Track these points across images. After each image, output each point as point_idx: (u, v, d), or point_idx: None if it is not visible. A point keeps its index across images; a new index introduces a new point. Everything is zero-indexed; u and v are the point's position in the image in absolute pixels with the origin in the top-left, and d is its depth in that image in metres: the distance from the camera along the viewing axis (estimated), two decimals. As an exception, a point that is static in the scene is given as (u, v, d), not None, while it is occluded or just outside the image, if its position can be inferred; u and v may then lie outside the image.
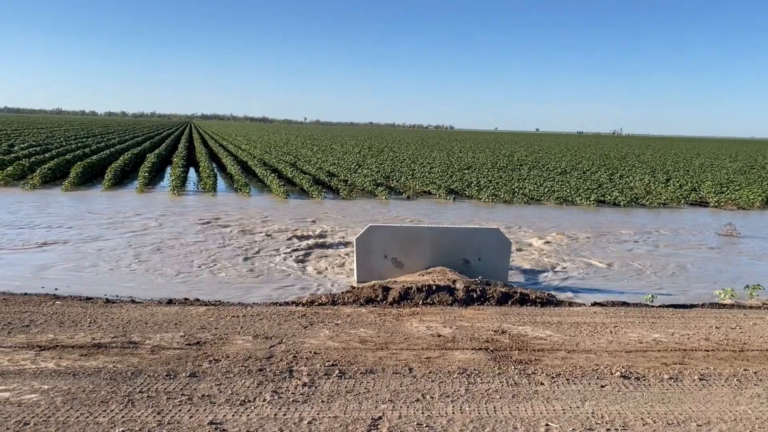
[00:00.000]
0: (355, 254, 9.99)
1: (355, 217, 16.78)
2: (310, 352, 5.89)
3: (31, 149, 33.43)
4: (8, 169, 23.33)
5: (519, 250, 12.65)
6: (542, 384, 5.17)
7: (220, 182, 24.50)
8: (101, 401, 4.58)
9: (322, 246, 12.50)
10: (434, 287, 8.26)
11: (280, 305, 8.00)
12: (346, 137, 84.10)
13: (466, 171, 30.86)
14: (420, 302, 8.06)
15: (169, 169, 28.64)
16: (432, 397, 4.80)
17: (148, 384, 4.95)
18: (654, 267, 11.65)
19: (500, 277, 9.85)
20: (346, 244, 12.64)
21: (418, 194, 22.70)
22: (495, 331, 6.76)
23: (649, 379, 5.42)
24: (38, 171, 22.81)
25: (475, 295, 8.21)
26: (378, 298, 8.14)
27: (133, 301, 8.23)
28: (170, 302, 8.11)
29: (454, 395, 4.86)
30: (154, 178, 25.20)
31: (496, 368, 5.52)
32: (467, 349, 6.08)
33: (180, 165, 27.26)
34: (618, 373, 5.48)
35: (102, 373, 5.14)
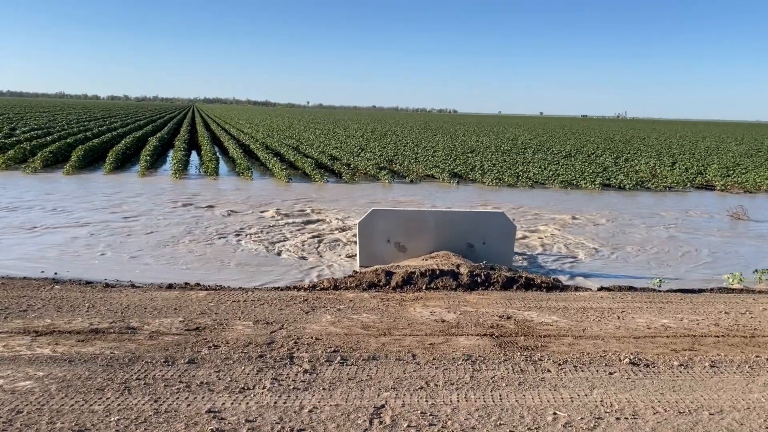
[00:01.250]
0: (357, 238, 9.85)
1: (358, 200, 16.63)
2: (312, 338, 5.77)
3: (32, 133, 33.26)
4: (9, 152, 23.19)
5: (524, 234, 12.49)
6: (549, 371, 5.04)
7: (222, 166, 24.34)
8: (97, 388, 4.46)
9: (324, 230, 12.36)
10: (438, 272, 8.13)
11: (282, 290, 7.88)
12: (349, 121, 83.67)
13: (470, 154, 30.62)
14: (423, 287, 7.92)
15: (171, 153, 28.44)
16: (436, 385, 4.67)
17: (146, 371, 4.83)
18: (660, 250, 11.49)
19: (505, 262, 9.71)
20: (349, 228, 12.50)
21: (422, 178, 22.51)
22: (500, 317, 6.63)
23: (659, 366, 5.28)
24: (39, 154, 22.66)
25: (479, 280, 8.07)
26: (381, 283, 8.01)
27: (132, 286, 8.12)
28: (170, 287, 7.99)
29: (458, 383, 4.73)
30: (155, 162, 25.04)
31: (501, 355, 5.39)
32: (472, 335, 5.95)
33: (182, 148, 27.09)
34: (626, 360, 5.34)
35: (99, 360, 5.03)
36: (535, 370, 5.04)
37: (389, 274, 8.15)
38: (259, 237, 11.56)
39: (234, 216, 13.68)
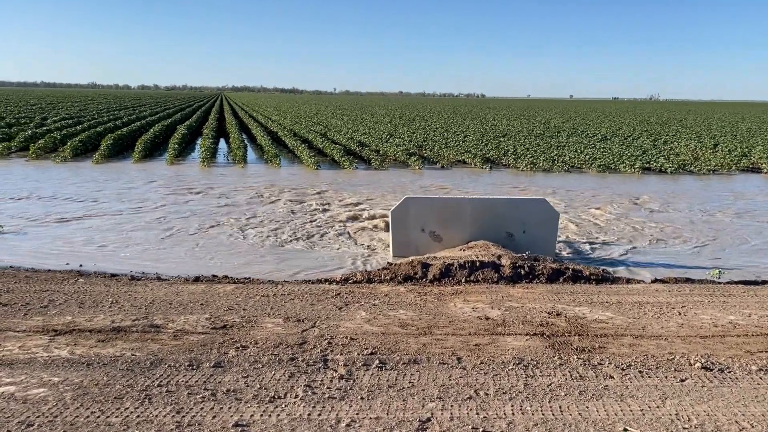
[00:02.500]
0: (390, 228, 9.40)
1: (388, 187, 16.14)
2: (346, 337, 5.32)
3: (63, 122, 33.45)
4: (39, 141, 23.22)
5: (563, 221, 11.88)
6: (612, 377, 4.52)
7: (250, 153, 24.06)
8: (115, 397, 4.09)
9: (355, 219, 11.92)
10: (478, 263, 7.62)
11: (313, 283, 7.46)
12: (376, 107, 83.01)
13: (502, 139, 29.84)
14: (463, 280, 7.43)
15: (199, 141, 28.28)
16: (486, 394, 4.19)
17: (169, 376, 4.44)
18: (712, 237, 10.78)
19: (547, 251, 9.16)
20: (380, 216, 12.04)
21: (453, 163, 21.91)
22: (549, 313, 6.11)
23: (735, 371, 4.72)
24: (69, 144, 22.64)
25: (522, 272, 7.54)
26: (417, 276, 7.54)
27: (158, 279, 7.80)
28: (197, 280, 7.64)
29: (511, 391, 4.24)
30: (184, 150, 24.88)
31: (556, 358, 4.88)
32: (520, 334, 5.44)
33: (210, 136, 26.89)
34: (698, 364, 4.78)
35: (119, 363, 4.66)
36: (596, 377, 4.52)
37: (426, 266, 7.67)
38: (285, 226, 11.17)
39: (261, 203, 13.32)
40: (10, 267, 8.18)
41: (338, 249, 9.76)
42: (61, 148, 22.81)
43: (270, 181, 16.70)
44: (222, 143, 28.39)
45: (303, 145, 23.63)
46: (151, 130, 28.57)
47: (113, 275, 7.90)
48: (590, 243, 10.39)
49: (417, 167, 20.30)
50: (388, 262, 7.91)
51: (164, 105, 68.29)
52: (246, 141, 27.33)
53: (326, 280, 7.57)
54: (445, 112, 67.23)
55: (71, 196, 13.85)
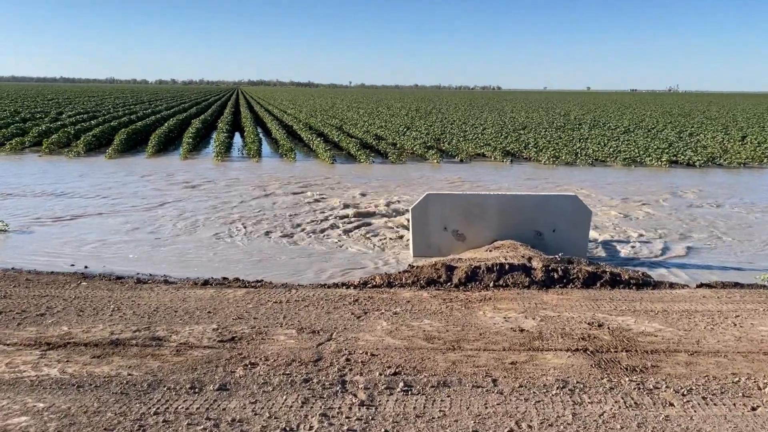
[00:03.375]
0: (410, 226, 8.86)
1: (407, 182, 15.57)
2: (366, 353, 4.79)
3: (78, 116, 33.26)
4: (53, 136, 22.96)
5: (593, 218, 11.24)
6: (671, 405, 3.94)
7: (265, 147, 23.61)
8: (105, 429, 3.59)
9: (372, 215, 11.38)
10: (507, 266, 7.04)
11: (329, 287, 6.94)
12: (392, 100, 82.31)
13: (522, 131, 29.10)
14: (491, 284, 6.86)
15: (214, 135, 27.91)
16: (530, 426, 3.64)
17: (167, 401, 3.94)
18: (753, 236, 10.09)
19: (578, 252, 8.57)
20: (398, 213, 11.50)
21: (472, 157, 21.29)
22: (589, 324, 5.53)
23: (812, 396, 4.12)
24: (82, 138, 22.35)
25: (556, 276, 6.95)
26: (441, 279, 6.98)
27: (166, 281, 7.33)
28: (206, 283, 7.16)
29: (558, 423, 3.68)
30: (198, 144, 24.49)
31: (604, 379, 4.31)
32: (561, 349, 4.88)
33: (224, 130, 26.46)
34: (768, 389, 4.19)
35: (113, 385, 4.17)
36: (654, 404, 3.94)
37: (450, 268, 7.11)
38: (300, 224, 10.67)
39: (273, 199, 12.83)
40: (12, 269, 7.77)
41: (356, 248, 9.24)
42: (74, 143, 22.53)
43: (284, 176, 16.22)
44: (237, 137, 27.98)
45: (318, 139, 23.13)
46: (166, 124, 28.23)
47: (119, 278, 7.45)
48: (623, 242, 9.77)
49: (435, 161, 19.72)
50: (410, 265, 7.36)
51: (180, 99, 68.19)
52: (261, 135, 26.88)
53: (343, 284, 7.04)
54: (461, 104, 66.41)
55: (82, 193, 13.47)
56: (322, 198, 13.17)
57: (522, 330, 5.35)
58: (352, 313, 5.85)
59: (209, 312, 5.88)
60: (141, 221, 10.78)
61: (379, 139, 24.62)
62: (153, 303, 6.19)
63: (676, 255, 9.05)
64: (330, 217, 11.21)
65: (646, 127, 33.33)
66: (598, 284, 6.88)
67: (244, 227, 10.41)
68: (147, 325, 5.48)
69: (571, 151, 21.29)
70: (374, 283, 7.00)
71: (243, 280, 7.36)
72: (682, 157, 20.45)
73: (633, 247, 9.44)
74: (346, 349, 4.87)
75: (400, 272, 7.26)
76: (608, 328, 5.43)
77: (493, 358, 4.70)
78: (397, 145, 22.79)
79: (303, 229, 10.31)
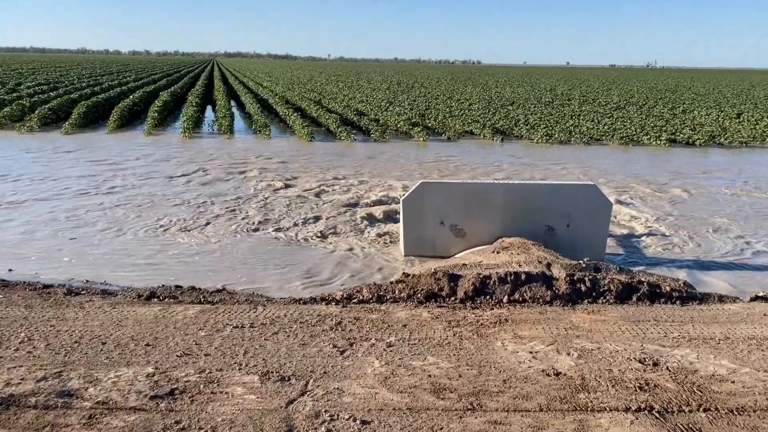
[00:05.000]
0: (401, 219, 7.55)
1: (393, 162, 14.18)
2: (354, 418, 3.47)
3: (37, 88, 31.08)
4: (6, 109, 21.07)
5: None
6: None
7: (239, 122, 21.99)
8: None
9: (353, 205, 10.01)
10: (523, 276, 5.75)
11: (304, 303, 5.59)
12: (372, 73, 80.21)
13: (510, 107, 27.75)
14: (504, 299, 5.57)
15: (184, 109, 26.14)
16: None
17: None
18: (788, 231, 8.95)
19: (596, 251, 7.39)
20: (382, 202, 10.15)
21: (460, 134, 19.93)
22: (641, 362, 4.26)
23: None
24: (37, 111, 20.52)
25: (583, 288, 5.68)
26: (443, 292, 5.67)
27: (104, 293, 5.96)
28: (152, 296, 5.77)
29: None
30: (166, 119, 22.78)
31: (693, 468, 3.05)
32: (617, 409, 3.60)
33: (195, 104, 24.68)
34: None
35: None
36: None
37: (453, 278, 5.80)
38: (272, 215, 9.27)
39: (245, 187, 11.39)
40: None
41: (336, 246, 7.89)
42: (29, 116, 20.67)
43: (256, 155, 14.72)
44: (209, 112, 26.25)
45: (296, 114, 21.56)
46: (131, 96, 26.34)
47: (46, 287, 6.03)
48: (640, 236, 8.56)
49: (421, 139, 18.34)
50: (404, 273, 6.04)
51: (152, 71, 65.40)
52: (234, 109, 25.18)
53: (323, 299, 5.70)
54: (443, 78, 64.73)
55: (28, 174, 11.87)
56: (296, 182, 11.76)
57: (558, 374, 4.07)
58: (334, 346, 4.52)
59: (148, 345, 4.50)
60: (84, 210, 9.29)
61: (360, 115, 23.11)
62: (77, 329, 4.80)
63: (706, 252, 7.87)
64: (306, 207, 9.82)
65: (636, 103, 32.18)
66: (634, 298, 5.63)
67: (206, 218, 8.99)
68: (60, 368, 4.09)
69: (564, 129, 20.03)
70: (361, 297, 5.67)
71: (199, 291, 5.99)
72: (681, 135, 19.32)
73: (652, 242, 8.24)
74: (326, 411, 3.55)
75: (392, 282, 5.93)
76: (667, 368, 4.18)
77: (529, 425, 3.41)
78: (380, 122, 21.31)
79: (274, 222, 8.92)
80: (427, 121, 22.59)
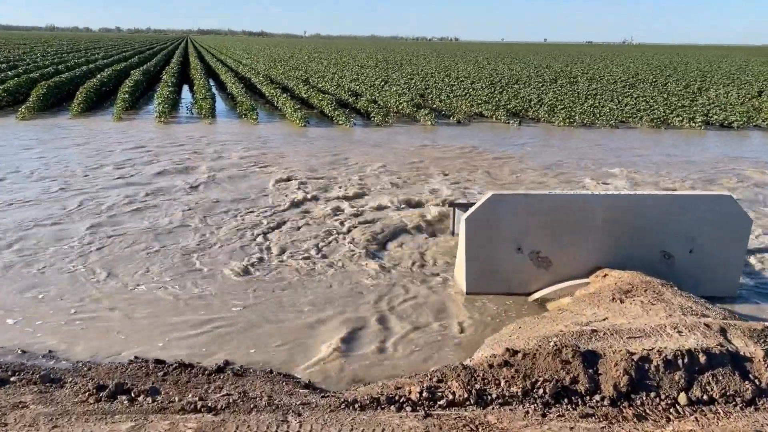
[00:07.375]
0: (464, 244, 5.50)
1: (409, 154, 12.01)
2: None
3: (-6, 67, 28.12)
4: (-47, 92, 18.40)
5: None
6: None
7: (220, 104, 19.59)
8: None
9: (382, 209, 7.87)
10: (701, 357, 3.69)
11: (362, 409, 3.48)
12: (353, 50, 77.25)
13: (515, 85, 25.63)
14: (677, 398, 3.52)
15: (158, 90, 23.57)
16: None
17: None
18: None
19: (726, 287, 5.49)
20: (409, 205, 8.04)
21: (470, 117, 17.81)
22: None
23: None
24: (-11, 94, 17.92)
25: (794, 375, 3.65)
26: (578, 386, 3.60)
27: (42, 381, 3.78)
28: (112, 396, 3.61)
29: None
30: (138, 101, 20.28)
31: None
32: None
33: (170, 83, 22.11)
34: None
35: None
36: None
37: (589, 360, 3.72)
38: (260, 238, 7.10)
39: (229, 193, 9.18)
40: None
41: (373, 280, 5.76)
42: (-22, 100, 18.05)
43: (245, 146, 12.46)
44: (186, 93, 23.72)
45: (284, 95, 19.20)
46: (98, 75, 23.67)
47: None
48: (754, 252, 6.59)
49: (429, 122, 16.20)
50: (507, 348, 3.90)
51: (122, 48, 61.86)
52: (214, 90, 22.69)
53: (390, 399, 3.58)
54: (428, 55, 62.24)
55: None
56: (299, 186, 9.57)
57: None
58: None
59: None
60: (36, 238, 7.02)
61: (356, 96, 20.83)
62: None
63: None
64: (307, 224, 7.63)
65: (646, 80, 30.26)
66: None
67: (193, 254, 6.79)
68: None
69: (585, 111, 17.99)
70: (449, 398, 3.57)
71: (191, 371, 3.83)
72: (715, 117, 17.43)
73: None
74: None
75: (491, 366, 3.81)
76: None
77: None
78: (379, 103, 19.06)
79: (284, 248, 6.75)
80: (431, 102, 20.41)
